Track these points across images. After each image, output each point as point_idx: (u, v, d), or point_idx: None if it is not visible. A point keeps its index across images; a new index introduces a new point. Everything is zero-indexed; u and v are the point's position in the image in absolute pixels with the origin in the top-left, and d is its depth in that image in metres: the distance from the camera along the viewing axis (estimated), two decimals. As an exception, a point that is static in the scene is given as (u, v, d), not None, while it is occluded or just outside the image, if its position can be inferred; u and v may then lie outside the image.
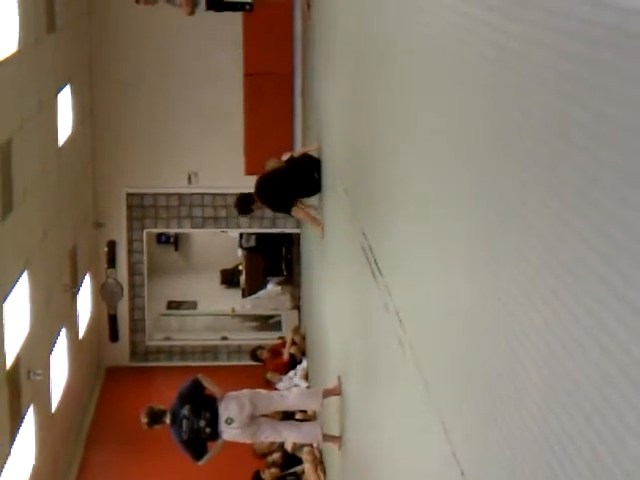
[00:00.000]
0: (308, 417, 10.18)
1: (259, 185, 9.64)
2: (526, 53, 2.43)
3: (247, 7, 10.70)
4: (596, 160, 1.98)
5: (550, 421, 2.26)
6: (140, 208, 14.90)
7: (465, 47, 3.12)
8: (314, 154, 9.67)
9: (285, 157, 9.71)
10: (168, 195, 14.87)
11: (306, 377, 12.27)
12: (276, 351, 13.27)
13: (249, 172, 13.55)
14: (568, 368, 2.12)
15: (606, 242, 1.92)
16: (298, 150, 11.03)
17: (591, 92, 2.00)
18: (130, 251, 15.04)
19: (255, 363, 13.32)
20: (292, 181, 9.48)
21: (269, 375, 12.50)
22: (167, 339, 15.86)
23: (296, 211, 9.63)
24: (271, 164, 10.01)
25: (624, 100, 1.84)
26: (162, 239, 19.01)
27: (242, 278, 18.06)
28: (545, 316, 2.28)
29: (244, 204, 9.96)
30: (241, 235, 17.60)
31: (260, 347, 13.39)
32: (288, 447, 10.96)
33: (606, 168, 1.92)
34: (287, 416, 9.92)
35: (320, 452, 10.16)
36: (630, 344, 1.81)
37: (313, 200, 9.75)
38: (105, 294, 14.97)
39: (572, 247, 2.11)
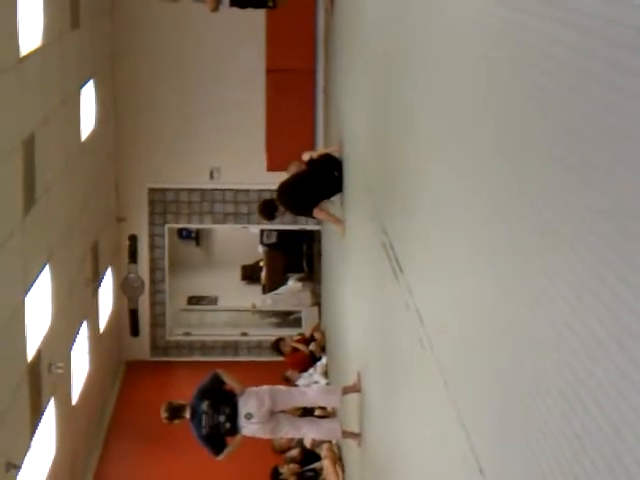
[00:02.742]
0: (327, 414, 10.19)
1: (281, 191, 9.74)
2: (549, 53, 2.43)
3: (270, 3, 10.71)
4: (618, 159, 1.98)
5: (569, 418, 2.26)
6: (162, 203, 14.96)
7: (492, 47, 3.12)
8: (335, 154, 9.68)
9: (305, 157, 9.75)
10: (190, 190, 14.91)
11: (325, 374, 12.28)
12: (296, 347, 13.29)
13: (271, 168, 13.55)
14: (588, 367, 2.12)
15: (628, 243, 1.92)
16: (318, 150, 11.05)
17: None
18: (151, 246, 15.10)
19: (276, 356, 13.31)
20: (313, 184, 9.53)
21: (289, 373, 12.51)
22: (187, 334, 15.91)
23: (317, 212, 9.65)
24: (292, 168, 10.05)
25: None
26: (183, 234, 19.06)
27: (263, 274, 18.08)
28: (567, 315, 2.28)
29: (268, 210, 10.08)
30: (262, 231, 17.63)
31: (282, 339, 13.35)
32: (307, 443, 10.97)
33: (628, 167, 1.92)
34: (306, 412, 9.94)
35: (339, 449, 10.16)
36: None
37: (334, 199, 9.76)
38: (126, 289, 15.05)
39: (594, 249, 2.11)
